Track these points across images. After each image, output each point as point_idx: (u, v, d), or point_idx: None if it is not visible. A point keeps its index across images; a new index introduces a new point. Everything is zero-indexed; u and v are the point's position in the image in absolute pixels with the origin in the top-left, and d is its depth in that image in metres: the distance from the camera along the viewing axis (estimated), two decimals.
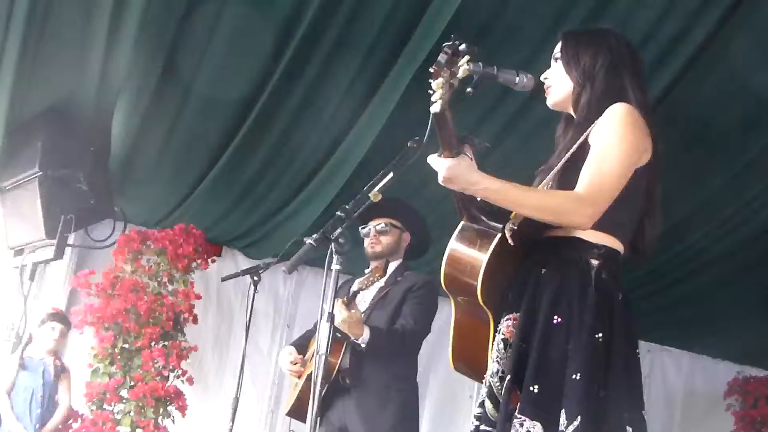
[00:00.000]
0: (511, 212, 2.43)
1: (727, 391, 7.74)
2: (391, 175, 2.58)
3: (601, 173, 2.39)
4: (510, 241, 2.42)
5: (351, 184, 4.97)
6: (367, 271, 4.39)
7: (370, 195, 2.55)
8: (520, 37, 4.22)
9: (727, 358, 7.93)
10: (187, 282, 5.87)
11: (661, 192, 2.57)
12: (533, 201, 2.39)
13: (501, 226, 2.44)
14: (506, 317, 2.48)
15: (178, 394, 5.62)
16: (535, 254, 2.51)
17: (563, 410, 2.26)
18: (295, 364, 4.26)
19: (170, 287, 5.85)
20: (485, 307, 2.46)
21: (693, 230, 5.65)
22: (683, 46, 4.27)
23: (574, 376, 2.29)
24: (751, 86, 4.38)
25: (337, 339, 4.00)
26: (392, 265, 4.31)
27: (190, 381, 5.74)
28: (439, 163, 2.36)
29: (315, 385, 2.49)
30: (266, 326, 6.66)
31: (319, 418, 4.04)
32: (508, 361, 2.42)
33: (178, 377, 5.70)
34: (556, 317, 2.38)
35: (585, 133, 2.50)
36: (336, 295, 4.13)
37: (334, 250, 2.51)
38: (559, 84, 2.66)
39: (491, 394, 2.45)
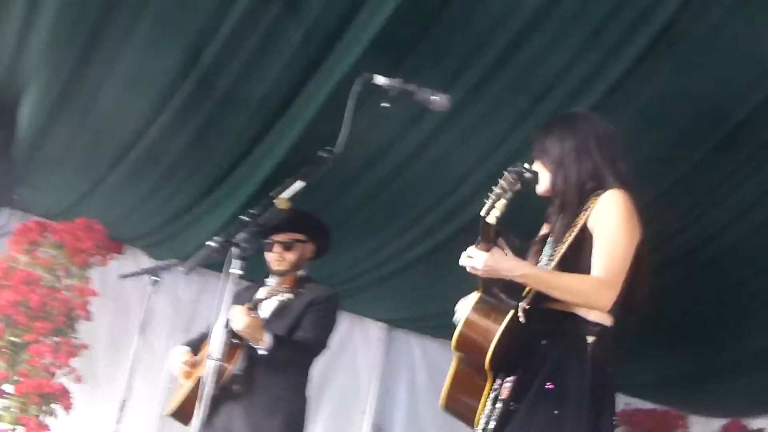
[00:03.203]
0: (524, 290, 2.73)
1: None
2: (299, 183, 2.57)
3: (614, 261, 2.68)
4: (522, 318, 2.72)
5: (261, 191, 4.92)
6: (269, 280, 4.35)
7: (276, 202, 2.54)
8: (446, 56, 4.26)
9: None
10: (84, 277, 5.72)
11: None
12: (566, 286, 2.68)
13: (515, 303, 2.72)
14: (507, 379, 2.75)
15: (64, 392, 5.45)
16: (534, 324, 2.75)
17: None
18: (185, 363, 4.19)
19: (66, 282, 5.67)
20: (488, 371, 2.73)
21: None
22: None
23: None
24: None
25: (234, 344, 3.94)
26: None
27: (78, 379, 5.57)
28: (477, 257, 2.66)
29: (204, 389, 2.44)
30: (163, 328, 6.52)
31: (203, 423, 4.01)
32: (497, 416, 2.68)
33: (66, 374, 5.52)
34: (548, 383, 2.63)
35: (580, 219, 2.75)
36: (236, 301, 4.09)
37: (235, 254, 2.48)
38: (541, 176, 2.89)
39: None
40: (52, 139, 5.00)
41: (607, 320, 2.75)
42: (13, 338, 5.40)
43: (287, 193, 2.57)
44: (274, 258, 4.26)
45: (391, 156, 4.90)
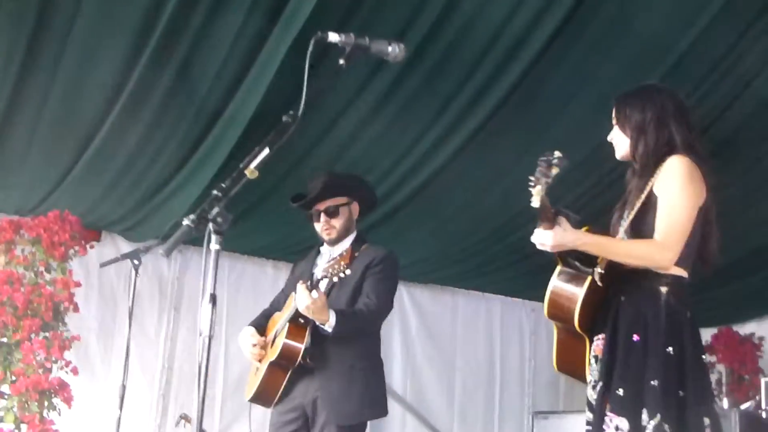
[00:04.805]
0: (597, 258, 3.05)
1: None
2: (266, 151, 2.56)
3: (673, 223, 2.99)
4: (599, 282, 3.04)
5: (229, 162, 4.90)
6: (324, 248, 4.24)
7: (246, 172, 2.53)
8: (393, 8, 4.24)
9: None
10: (66, 270, 5.69)
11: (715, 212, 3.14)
12: (624, 251, 3.05)
13: (591, 270, 3.05)
14: (597, 337, 3.12)
15: (63, 386, 5.46)
16: (615, 285, 3.08)
17: (644, 409, 2.89)
18: (256, 346, 4.11)
19: (48, 276, 5.65)
20: (581, 331, 3.08)
21: None
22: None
23: (652, 383, 2.91)
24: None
25: (300, 324, 3.89)
26: (346, 241, 4.18)
27: (75, 371, 5.58)
28: (544, 236, 2.99)
29: (201, 368, 2.44)
30: (152, 310, 6.55)
31: (278, 401, 4.02)
32: (599, 372, 3.06)
33: (61, 368, 5.53)
34: (634, 335, 3.00)
35: (649, 184, 3.07)
36: (298, 276, 4.04)
37: (212, 230, 2.47)
38: (620, 142, 3.22)
39: (588, 403, 3.10)
40: (12, 138, 4.95)
41: (680, 272, 3.06)
42: (3, 339, 5.41)
43: (255, 163, 2.56)
44: (323, 228, 4.15)
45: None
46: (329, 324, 3.81)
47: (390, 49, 2.75)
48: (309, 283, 3.84)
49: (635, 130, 3.16)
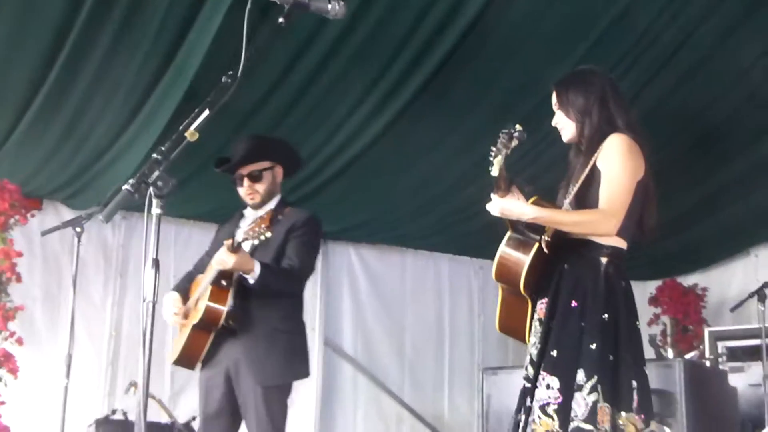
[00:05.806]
0: (545, 227, 3.21)
1: None
2: (206, 112, 2.53)
3: (615, 192, 3.17)
4: (545, 249, 3.21)
5: (171, 127, 4.82)
6: (247, 212, 4.23)
7: (186, 134, 2.49)
8: None
9: None
10: (6, 240, 5.62)
11: (654, 188, 3.31)
12: (571, 221, 3.21)
13: (538, 237, 3.21)
14: (541, 301, 3.29)
15: (8, 357, 5.43)
16: (559, 253, 3.25)
17: (580, 370, 3.07)
18: (177, 315, 4.09)
19: None
20: (524, 294, 3.26)
21: None
22: None
23: (591, 346, 3.10)
24: None
25: (222, 287, 3.90)
26: (270, 204, 4.17)
27: (20, 342, 5.54)
28: (493, 203, 3.18)
29: (145, 333, 2.41)
30: (97, 277, 6.47)
31: (204, 364, 4.03)
32: (540, 334, 3.24)
33: (6, 339, 5.49)
34: (573, 302, 3.19)
35: (592, 160, 3.25)
36: (221, 238, 4.01)
37: (152, 194, 2.43)
38: (565, 126, 3.38)
39: (531, 361, 3.26)
40: None
41: (620, 243, 3.25)
42: None
43: (195, 125, 2.52)
44: (246, 192, 4.14)
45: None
46: (254, 274, 3.82)
47: (330, 6, 2.72)
48: (231, 245, 3.81)
49: (580, 113, 3.32)
